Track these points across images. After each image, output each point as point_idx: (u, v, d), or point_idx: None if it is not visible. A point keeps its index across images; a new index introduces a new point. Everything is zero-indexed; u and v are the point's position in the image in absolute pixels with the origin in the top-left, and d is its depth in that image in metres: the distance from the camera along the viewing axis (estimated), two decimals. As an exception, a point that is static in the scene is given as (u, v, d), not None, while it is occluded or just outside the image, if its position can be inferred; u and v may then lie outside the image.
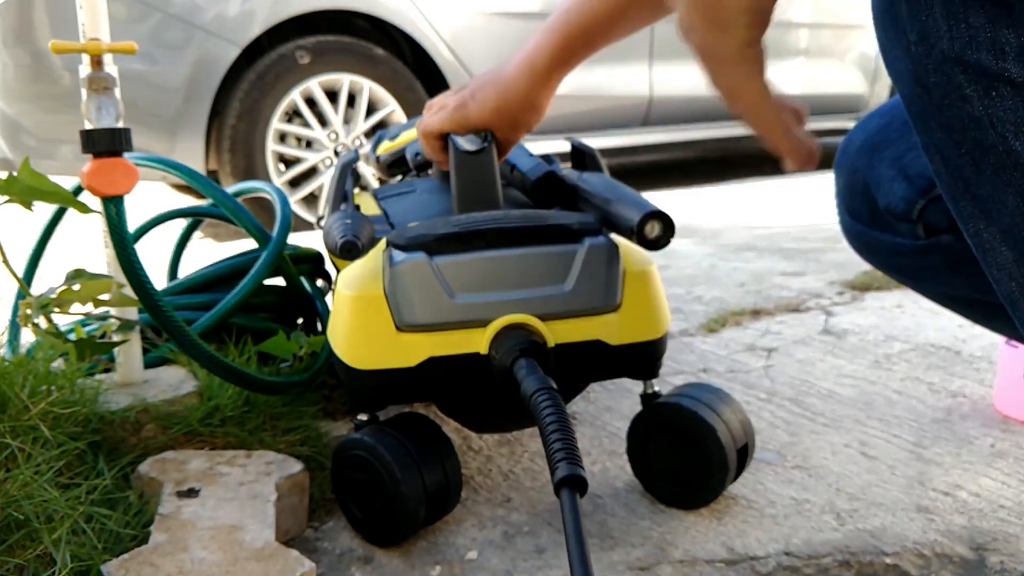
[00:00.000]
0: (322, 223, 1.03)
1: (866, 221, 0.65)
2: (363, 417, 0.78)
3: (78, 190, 0.96)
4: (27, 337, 1.01)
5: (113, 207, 0.78)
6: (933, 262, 0.61)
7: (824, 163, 0.71)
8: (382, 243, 0.76)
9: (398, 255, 0.70)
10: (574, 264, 0.71)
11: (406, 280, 0.69)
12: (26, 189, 0.75)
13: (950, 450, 0.94)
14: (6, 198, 0.76)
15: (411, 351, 0.71)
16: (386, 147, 1.18)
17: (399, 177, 1.17)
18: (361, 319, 0.72)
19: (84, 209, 0.79)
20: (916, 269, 0.64)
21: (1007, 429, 0.99)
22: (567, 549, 0.51)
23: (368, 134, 2.80)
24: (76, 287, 0.80)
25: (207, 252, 2.10)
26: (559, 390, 0.61)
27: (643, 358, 0.76)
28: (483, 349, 0.69)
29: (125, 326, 0.88)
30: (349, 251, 0.73)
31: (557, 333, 0.70)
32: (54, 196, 0.77)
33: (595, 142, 1.35)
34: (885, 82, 3.88)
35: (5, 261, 0.79)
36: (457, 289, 0.69)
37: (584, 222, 0.72)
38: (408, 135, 1.16)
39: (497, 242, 0.70)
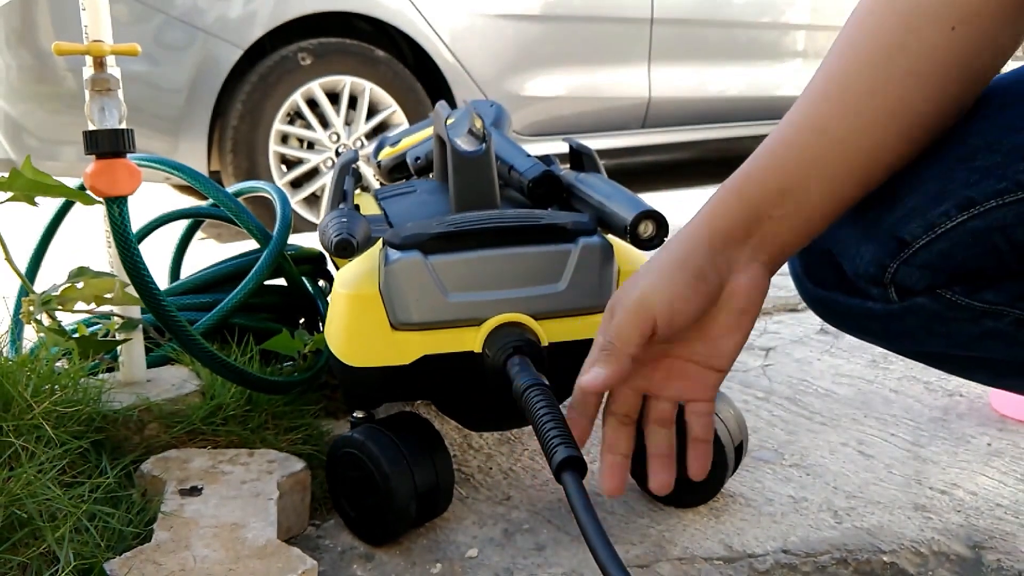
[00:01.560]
0: (322, 223, 1.03)
1: (831, 287, 0.61)
2: (359, 415, 0.78)
3: (81, 191, 0.97)
4: (30, 337, 1.02)
5: (116, 208, 0.79)
6: (909, 325, 0.57)
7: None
8: (379, 242, 0.76)
9: (393, 254, 0.70)
10: (568, 263, 0.71)
11: (401, 279, 0.70)
12: (29, 183, 0.75)
13: (947, 449, 0.95)
14: (9, 195, 0.76)
15: (405, 349, 0.71)
16: (388, 152, 1.18)
17: (401, 181, 1.18)
18: (356, 317, 0.72)
19: (88, 200, 0.79)
20: (889, 332, 0.59)
21: (1004, 428, 0.99)
22: (580, 527, 0.49)
23: (369, 135, 2.81)
24: (80, 285, 0.81)
25: (209, 253, 2.10)
26: (552, 388, 0.62)
27: None
28: (477, 347, 0.70)
29: (128, 325, 0.89)
30: (344, 249, 0.73)
31: (551, 332, 0.71)
32: (57, 190, 0.78)
33: (594, 143, 1.36)
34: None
35: (8, 258, 0.80)
36: (451, 288, 0.70)
37: (578, 222, 0.73)
38: (409, 140, 1.16)
39: (492, 241, 0.71)
